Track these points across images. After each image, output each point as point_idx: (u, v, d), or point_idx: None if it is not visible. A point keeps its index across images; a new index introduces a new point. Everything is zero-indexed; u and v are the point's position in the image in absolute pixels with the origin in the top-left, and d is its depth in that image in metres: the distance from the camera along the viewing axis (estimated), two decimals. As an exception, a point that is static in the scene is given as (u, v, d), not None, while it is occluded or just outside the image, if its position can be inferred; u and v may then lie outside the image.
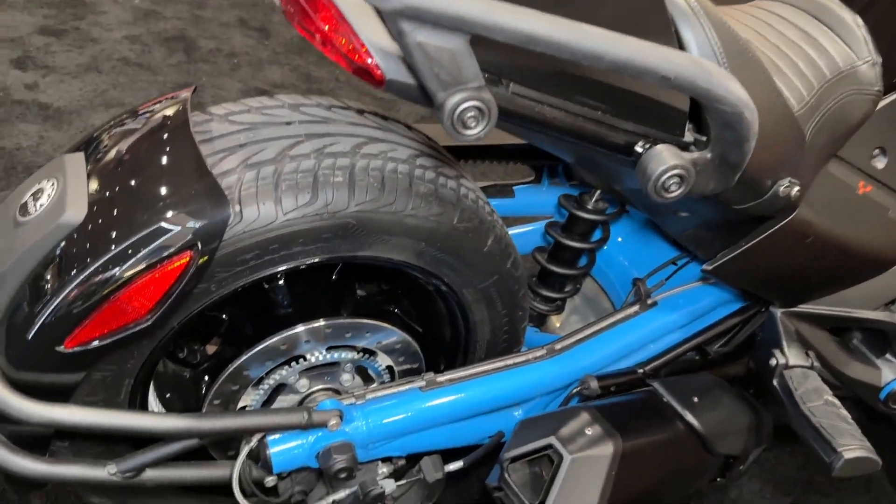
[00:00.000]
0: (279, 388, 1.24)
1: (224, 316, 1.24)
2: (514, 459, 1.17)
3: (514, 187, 1.72)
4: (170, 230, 0.95)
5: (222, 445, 1.28)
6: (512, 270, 1.28)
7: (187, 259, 0.95)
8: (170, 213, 0.96)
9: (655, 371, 1.41)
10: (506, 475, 1.17)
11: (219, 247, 0.98)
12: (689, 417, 1.28)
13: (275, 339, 1.16)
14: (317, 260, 1.09)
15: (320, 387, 1.26)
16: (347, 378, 1.28)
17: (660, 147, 0.95)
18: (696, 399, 1.33)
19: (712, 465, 1.39)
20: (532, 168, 1.69)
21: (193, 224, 0.95)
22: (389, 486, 1.24)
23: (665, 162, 0.92)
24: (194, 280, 0.98)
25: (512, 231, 1.77)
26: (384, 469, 1.31)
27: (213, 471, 1.16)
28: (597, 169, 1.31)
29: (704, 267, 1.28)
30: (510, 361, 1.31)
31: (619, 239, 1.64)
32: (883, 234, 1.34)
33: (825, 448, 1.24)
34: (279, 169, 1.03)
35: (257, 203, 1.00)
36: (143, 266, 0.95)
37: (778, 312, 1.44)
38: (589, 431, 1.16)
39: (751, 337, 1.53)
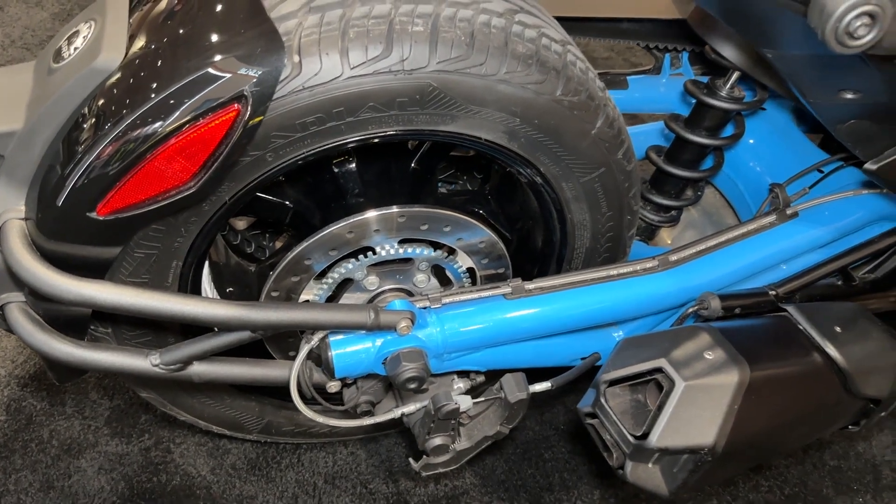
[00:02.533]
0: (345, 285, 1.10)
1: (289, 203, 1.10)
2: (614, 383, 1.00)
3: (628, 77, 1.50)
4: (217, 78, 0.81)
5: (282, 345, 1.17)
6: (623, 163, 1.08)
7: (234, 113, 0.81)
8: (217, 58, 0.81)
9: (790, 294, 1.19)
10: (602, 400, 1.00)
11: (272, 103, 0.83)
12: (831, 349, 1.07)
13: (340, 225, 1.02)
14: (391, 132, 0.93)
15: (391, 286, 1.13)
16: (422, 279, 1.13)
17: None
18: (837, 329, 1.12)
19: (851, 408, 1.18)
20: (650, 53, 1.46)
21: (244, 71, 0.81)
22: (465, 402, 1.10)
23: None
24: (244, 141, 0.84)
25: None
26: (460, 384, 1.17)
27: (269, 370, 1.05)
28: (750, 23, 1.06)
29: (868, 165, 1.05)
30: (613, 272, 1.13)
31: (751, 140, 1.41)
32: None
33: None
34: (347, 14, 0.86)
35: (319, 53, 0.84)
36: (185, 120, 0.81)
37: (950, 232, 1.19)
38: (709, 355, 0.97)
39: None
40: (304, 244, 1.02)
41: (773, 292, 1.18)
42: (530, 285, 1.11)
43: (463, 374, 1.19)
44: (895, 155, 1.03)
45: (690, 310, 1.13)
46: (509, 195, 1.21)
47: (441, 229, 1.08)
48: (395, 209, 1.03)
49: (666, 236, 1.52)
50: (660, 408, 0.95)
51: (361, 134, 0.92)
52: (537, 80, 0.94)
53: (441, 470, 1.18)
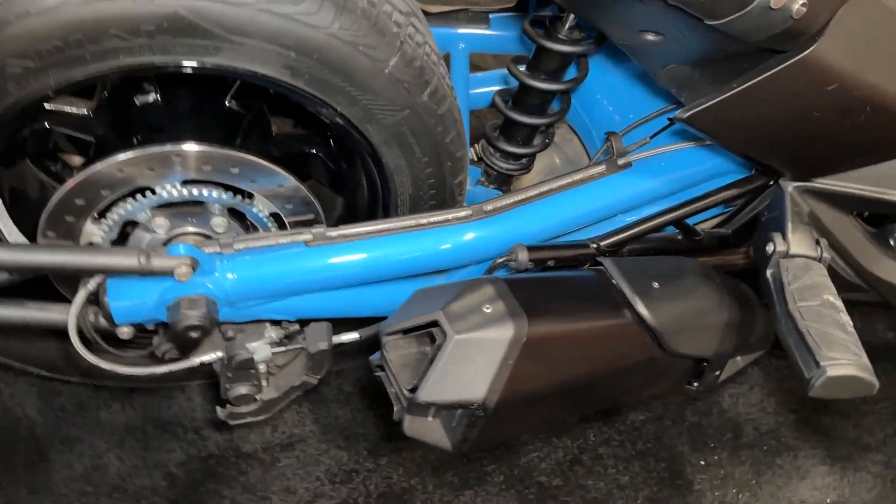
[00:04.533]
0: (134, 228, 1.07)
1: (81, 135, 1.06)
2: (396, 334, 0.98)
3: (491, 15, 1.44)
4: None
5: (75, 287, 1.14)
6: (431, 106, 1.04)
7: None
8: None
9: (615, 247, 1.16)
10: (384, 352, 0.98)
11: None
12: (640, 305, 1.05)
13: (104, 164, 0.97)
14: (145, 62, 0.88)
15: (186, 230, 1.09)
16: (220, 223, 1.10)
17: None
18: (656, 285, 1.09)
19: (677, 366, 1.16)
20: (511, -12, 1.40)
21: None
22: (263, 351, 1.08)
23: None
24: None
25: (482, 73, 1.51)
26: (272, 333, 1.15)
27: (47, 313, 1.02)
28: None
29: (677, 114, 1.01)
30: (423, 220, 1.10)
31: (607, 81, 1.35)
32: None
33: (806, 360, 0.99)
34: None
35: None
36: None
37: (789, 187, 1.16)
38: (487, 308, 0.95)
39: (755, 220, 1.25)
40: (69, 184, 0.98)
41: (595, 245, 1.15)
42: (333, 232, 1.07)
43: (277, 322, 1.17)
44: (708, 102, 0.98)
45: (499, 260, 1.10)
46: (320, 139, 1.17)
47: (228, 171, 1.03)
48: (168, 147, 0.99)
49: (526, 184, 1.48)
50: (431, 361, 0.93)
51: (112, 63, 0.87)
52: (307, 10, 0.89)
53: (250, 419, 1.17)
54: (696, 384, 1.23)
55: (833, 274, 1.25)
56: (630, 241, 1.18)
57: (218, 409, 1.16)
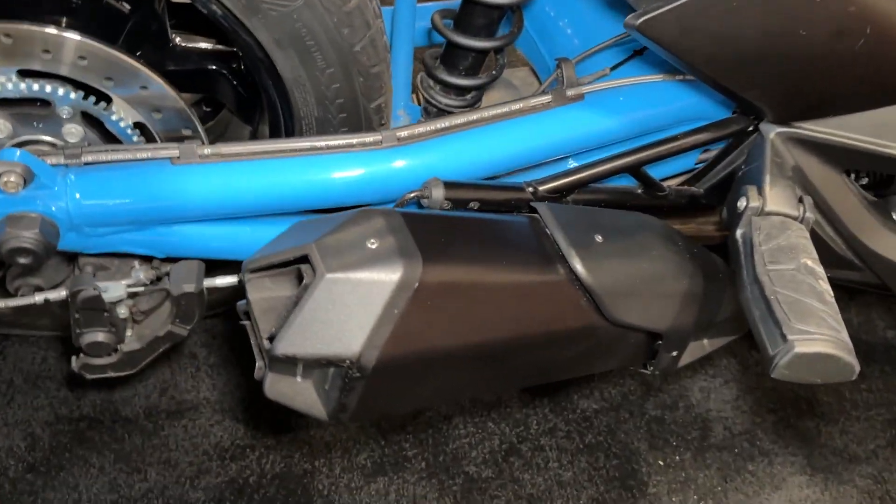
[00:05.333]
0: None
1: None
2: (261, 271, 0.80)
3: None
4: None
5: None
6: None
7: None
8: None
9: (556, 193, 0.97)
10: (246, 293, 0.80)
11: None
12: (574, 260, 0.86)
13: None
14: None
15: (36, 138, 0.91)
16: (73, 132, 0.92)
17: None
18: (599, 238, 0.90)
19: (623, 342, 0.97)
20: None
21: None
22: (114, 290, 0.91)
23: None
24: None
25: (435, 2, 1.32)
26: (141, 274, 0.97)
27: None
28: None
29: (627, 19, 0.81)
30: (319, 143, 0.91)
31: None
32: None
33: (772, 333, 0.80)
34: None
35: None
36: None
37: (771, 132, 0.96)
38: (372, 244, 0.76)
39: (732, 176, 1.06)
40: None
41: (531, 189, 0.96)
42: (206, 150, 0.89)
43: (149, 261, 0.99)
44: (665, 6, 0.79)
45: (409, 196, 0.91)
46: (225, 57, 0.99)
47: (75, 62, 0.85)
48: (-8, 22, 0.80)
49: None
50: (296, 303, 0.75)
51: None
52: None
53: (111, 373, 0.99)
54: (650, 367, 1.05)
55: (819, 244, 1.07)
56: (575, 188, 0.99)
57: (73, 358, 0.98)
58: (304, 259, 0.77)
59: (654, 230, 1.00)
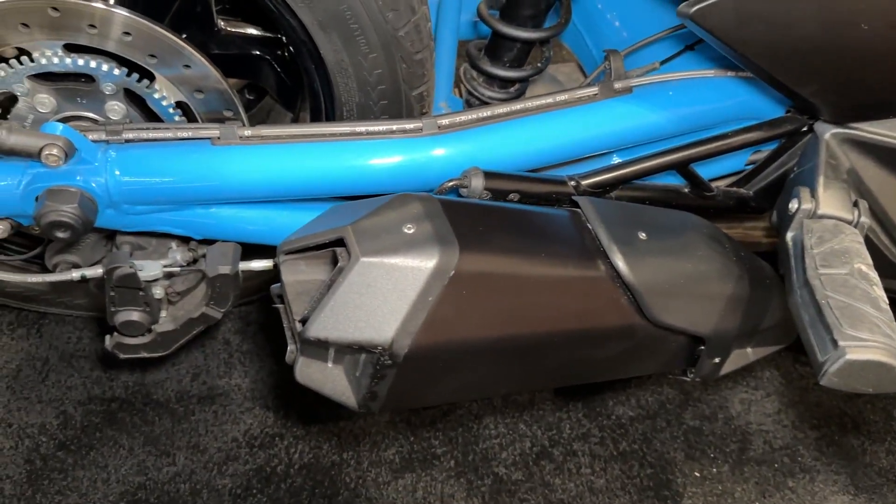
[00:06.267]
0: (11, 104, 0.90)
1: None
2: (296, 253, 0.79)
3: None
4: None
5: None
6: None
7: None
8: None
9: (599, 188, 0.95)
10: (281, 275, 0.79)
11: None
12: (615, 256, 0.84)
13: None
14: None
15: (75, 113, 0.91)
16: (116, 109, 0.92)
17: None
18: (642, 236, 0.88)
19: (663, 344, 0.95)
20: None
21: None
22: (150, 269, 0.91)
23: None
24: None
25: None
26: (178, 255, 0.97)
27: None
28: None
29: (681, 7, 0.79)
30: (360, 129, 0.90)
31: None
32: None
33: (822, 338, 0.77)
34: None
35: None
36: None
37: (826, 132, 0.93)
38: (409, 229, 0.75)
39: (784, 179, 1.03)
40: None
41: (574, 183, 0.94)
42: (246, 131, 0.89)
43: (186, 241, 1.00)
44: (722, -5, 0.77)
45: (449, 184, 0.90)
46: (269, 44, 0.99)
47: (119, 38, 0.85)
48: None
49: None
50: (329, 286, 0.74)
51: None
52: None
53: (144, 354, 0.99)
54: (692, 373, 1.02)
55: (873, 251, 1.02)
56: (619, 184, 0.96)
57: (107, 337, 0.98)
58: (340, 242, 0.76)
59: (699, 230, 0.97)
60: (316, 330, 0.73)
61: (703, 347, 0.97)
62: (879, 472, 1.32)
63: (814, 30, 0.80)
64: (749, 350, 1.08)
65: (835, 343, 0.75)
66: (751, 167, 1.08)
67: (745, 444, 1.32)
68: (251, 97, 1.27)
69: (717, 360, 1.00)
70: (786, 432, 1.35)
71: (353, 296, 0.73)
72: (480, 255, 0.77)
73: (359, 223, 0.75)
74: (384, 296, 0.73)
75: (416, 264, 0.74)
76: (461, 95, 1.23)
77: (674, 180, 1.05)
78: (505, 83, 1.17)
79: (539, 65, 1.14)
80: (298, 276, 0.79)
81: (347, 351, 0.77)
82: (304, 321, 0.75)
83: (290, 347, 0.80)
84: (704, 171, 1.05)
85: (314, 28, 0.89)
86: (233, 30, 1.11)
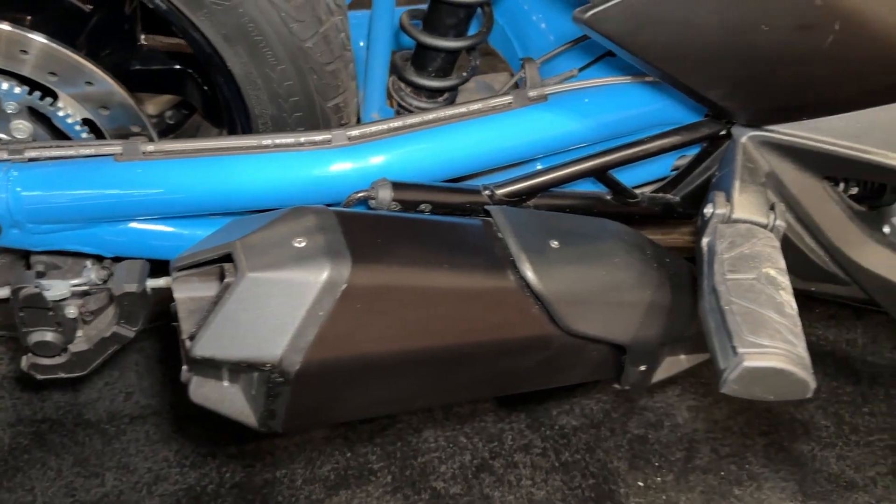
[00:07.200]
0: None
1: None
2: (188, 269, 0.77)
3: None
4: None
5: None
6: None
7: None
8: None
9: (515, 198, 0.93)
10: (174, 291, 0.77)
11: None
12: (524, 265, 0.82)
13: None
14: None
15: (-20, 132, 0.90)
16: (22, 128, 0.90)
17: None
18: (554, 244, 0.86)
19: (585, 353, 0.93)
20: None
21: None
22: (59, 288, 0.89)
23: None
24: None
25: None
26: (92, 273, 0.95)
27: None
28: None
29: (576, 13, 0.77)
30: (266, 142, 0.89)
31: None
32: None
33: (724, 346, 0.74)
34: None
35: None
36: None
37: (742, 136, 0.91)
38: (300, 243, 0.73)
39: (708, 180, 1.01)
40: None
41: (488, 192, 0.92)
42: (149, 146, 0.87)
43: (101, 259, 0.98)
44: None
45: (357, 195, 0.88)
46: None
47: (15, 55, 0.84)
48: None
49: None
50: (216, 302, 0.72)
51: None
52: None
53: (62, 374, 0.97)
54: (621, 380, 1.00)
55: (798, 256, 1.01)
56: (536, 192, 0.95)
57: (23, 358, 0.96)
58: (229, 257, 0.75)
59: (618, 237, 0.95)
60: (201, 348, 0.71)
61: (623, 354, 0.95)
62: (829, 477, 1.30)
63: (714, 34, 0.78)
64: (683, 357, 1.06)
65: (734, 350, 0.73)
66: (675, 173, 1.06)
67: (692, 453, 1.30)
68: (186, 112, 1.26)
69: (642, 367, 0.98)
70: (734, 439, 1.32)
71: (240, 312, 0.71)
72: (376, 268, 0.75)
73: (248, 237, 0.73)
74: (272, 312, 0.71)
75: (304, 279, 0.71)
76: (394, 106, 1.22)
77: (601, 188, 1.04)
78: (433, 93, 1.15)
79: (465, 74, 1.12)
80: (192, 293, 0.77)
81: (240, 369, 0.75)
82: (191, 339, 0.73)
83: (184, 367, 0.78)
84: (628, 177, 1.04)
85: (219, 41, 0.88)
86: (154, 45, 1.09)
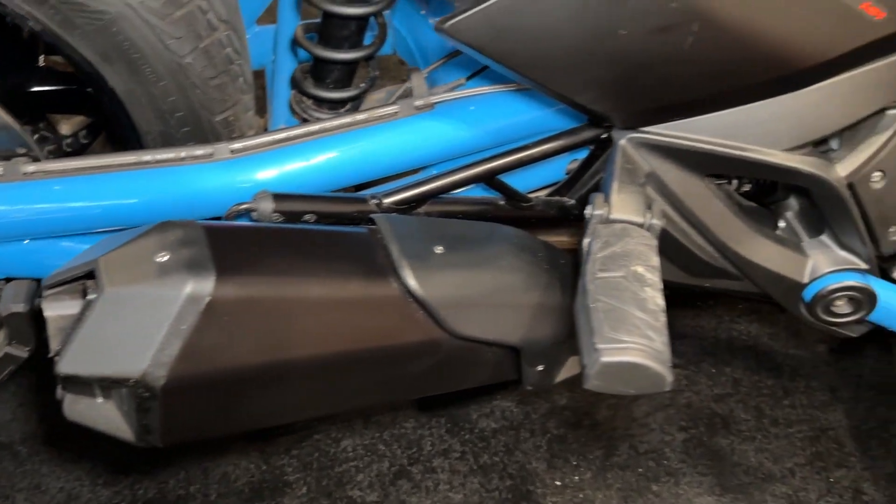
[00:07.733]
0: None
1: None
2: (57, 287, 0.76)
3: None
4: None
5: None
6: (148, 3, 0.83)
7: None
8: None
9: (404, 206, 0.94)
10: (44, 309, 0.76)
11: None
12: (405, 271, 0.82)
13: None
14: None
15: None
16: None
17: None
18: (439, 250, 0.86)
19: (480, 356, 0.93)
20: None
21: None
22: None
23: None
24: None
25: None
26: (10, 291, 0.94)
27: None
28: None
29: (436, 23, 0.78)
30: (146, 157, 0.89)
31: None
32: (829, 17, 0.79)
33: (588, 343, 0.75)
34: None
35: None
36: None
37: (621, 138, 0.92)
38: (162, 257, 0.73)
39: (598, 183, 1.02)
40: None
41: (375, 200, 0.92)
42: (31, 167, 0.87)
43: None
44: (473, 8, 0.76)
45: (238, 208, 0.88)
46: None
47: None
48: None
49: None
50: (79, 320, 0.71)
51: None
52: None
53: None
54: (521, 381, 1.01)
55: (685, 254, 1.02)
56: (424, 199, 0.95)
57: (-81, 382, 0.96)
58: (93, 274, 0.75)
59: (507, 241, 0.95)
60: (66, 366, 0.71)
61: (518, 357, 0.96)
62: (747, 471, 1.31)
63: (573, 40, 0.80)
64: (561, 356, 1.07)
65: (594, 346, 0.74)
66: (568, 177, 1.07)
67: (610, 450, 1.30)
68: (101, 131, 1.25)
69: (540, 367, 0.99)
70: (652, 436, 1.34)
71: (102, 328, 0.71)
72: (243, 280, 0.75)
73: (111, 253, 0.73)
74: (134, 327, 0.71)
75: (165, 293, 0.71)
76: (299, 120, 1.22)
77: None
78: (334, 104, 1.15)
79: (363, 84, 1.13)
80: (61, 310, 0.77)
81: (108, 385, 0.75)
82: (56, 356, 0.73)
83: (59, 384, 0.78)
84: (522, 181, 1.05)
85: (97, 60, 0.88)
86: (52, 66, 1.09)
